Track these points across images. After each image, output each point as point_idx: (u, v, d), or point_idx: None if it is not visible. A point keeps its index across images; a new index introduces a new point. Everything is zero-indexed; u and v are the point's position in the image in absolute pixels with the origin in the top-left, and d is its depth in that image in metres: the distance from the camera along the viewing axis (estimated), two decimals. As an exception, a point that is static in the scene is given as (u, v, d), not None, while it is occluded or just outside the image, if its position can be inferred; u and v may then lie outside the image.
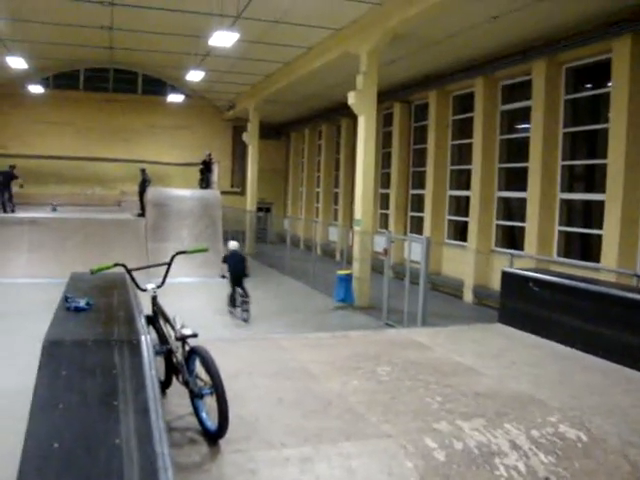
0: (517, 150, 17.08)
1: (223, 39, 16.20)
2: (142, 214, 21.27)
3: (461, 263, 18.12)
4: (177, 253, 5.50)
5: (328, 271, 18.20)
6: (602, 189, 13.80)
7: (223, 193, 24.94)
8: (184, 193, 22.48)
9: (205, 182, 24.39)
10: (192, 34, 19.08)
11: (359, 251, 16.24)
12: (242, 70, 23.84)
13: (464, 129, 19.30)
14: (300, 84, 22.47)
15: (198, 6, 16.40)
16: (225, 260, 15.16)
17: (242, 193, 31.07)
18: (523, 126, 17.00)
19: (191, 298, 16.56)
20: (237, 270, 14.68)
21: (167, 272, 5.37)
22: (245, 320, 14.05)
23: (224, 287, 18.62)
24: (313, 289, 18.49)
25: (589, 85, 15.45)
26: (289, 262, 21.94)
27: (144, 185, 21.65)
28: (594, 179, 14.79)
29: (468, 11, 13.85)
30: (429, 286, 17.52)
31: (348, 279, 16.07)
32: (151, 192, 21.54)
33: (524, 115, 16.56)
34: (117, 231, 20.27)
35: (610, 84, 13.63)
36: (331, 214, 29.91)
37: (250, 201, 28.37)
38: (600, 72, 14.24)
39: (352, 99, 15.95)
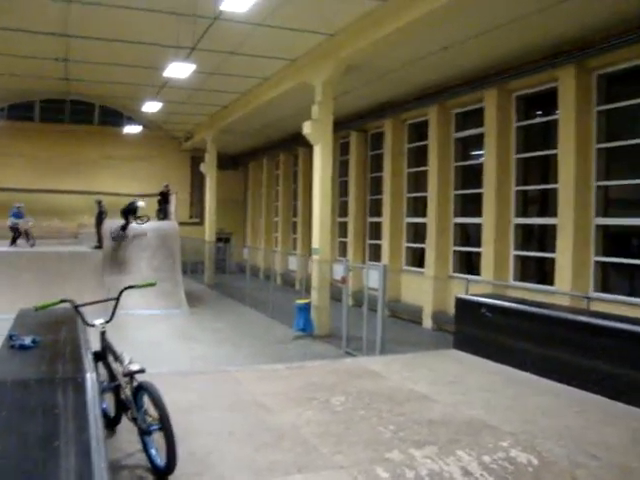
0: (472, 176, 17.31)
1: (179, 70, 16.23)
2: (99, 246, 21.03)
3: (420, 289, 18.21)
4: (125, 288, 5.47)
5: (288, 300, 18.15)
6: (555, 213, 14.05)
7: (182, 224, 24.83)
8: (142, 224, 22.29)
9: (163, 213, 24.21)
10: (148, 65, 19.06)
11: (317, 280, 16.23)
12: (199, 101, 23.85)
13: (419, 157, 19.51)
14: (257, 114, 22.57)
15: (154, 38, 16.39)
16: None
17: (201, 223, 30.93)
18: (477, 153, 17.27)
19: (150, 330, 16.39)
20: None
21: (116, 307, 5.33)
22: None
23: (184, 319, 18.57)
24: (272, 319, 18.40)
25: (539, 112, 15.79)
26: (249, 292, 21.84)
27: (101, 217, 21.42)
28: (547, 203, 15.05)
29: (419, 42, 14.09)
30: (389, 313, 17.62)
31: (307, 308, 16.04)
32: (108, 224, 21.33)
33: (478, 142, 16.83)
34: (73, 264, 19.95)
35: (558, 112, 13.94)
36: (290, 243, 29.90)
37: (209, 231, 28.26)
38: (548, 100, 14.56)
39: (308, 129, 16.05)
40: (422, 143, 19.14)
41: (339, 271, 16.50)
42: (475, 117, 16.96)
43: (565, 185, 13.55)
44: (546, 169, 15.17)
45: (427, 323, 17.69)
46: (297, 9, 13.57)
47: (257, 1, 11.32)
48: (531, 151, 15.52)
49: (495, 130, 15.61)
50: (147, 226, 22.07)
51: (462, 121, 17.87)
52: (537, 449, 5.35)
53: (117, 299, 5.37)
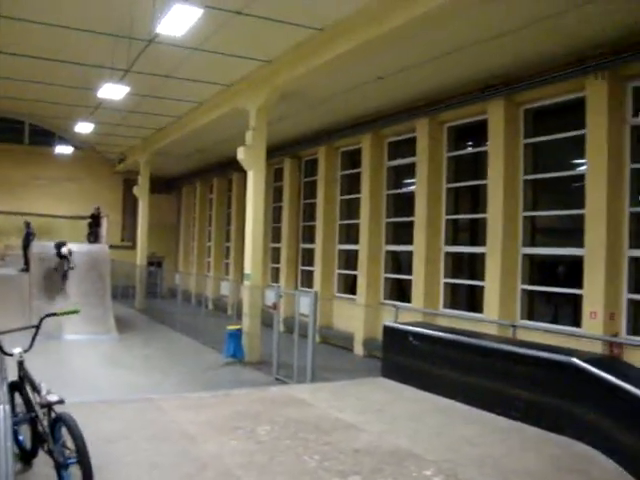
0: (404, 204, 17.54)
1: (113, 92, 16.03)
2: (26, 269, 20.49)
3: (351, 316, 18.29)
4: (47, 315, 5.32)
5: (219, 326, 17.97)
6: (484, 242, 14.34)
7: (113, 247, 24.39)
8: (71, 247, 21.81)
9: (93, 236, 23.78)
10: (81, 86, 18.76)
11: (249, 306, 16.14)
12: (133, 123, 23.60)
13: (353, 184, 19.71)
14: (191, 138, 22.47)
15: (88, 58, 16.18)
16: None
17: (133, 247, 30.42)
18: (409, 181, 17.52)
19: (76, 357, 16.01)
20: None
21: (35, 334, 5.18)
22: None
23: (113, 345, 18.17)
24: (203, 345, 18.18)
25: (469, 143, 16.18)
26: (180, 317, 21.56)
27: (28, 239, 20.91)
28: (477, 232, 15.35)
29: (354, 71, 14.26)
30: (320, 339, 17.62)
31: (238, 334, 15.90)
32: (36, 246, 20.81)
33: (409, 171, 17.08)
34: (-1, 288, 19.39)
35: (487, 143, 14.29)
36: (223, 268, 29.72)
37: (140, 255, 27.86)
38: (478, 131, 14.92)
39: (241, 154, 16.04)
40: (355, 171, 19.34)
41: (271, 297, 16.44)
42: (407, 146, 17.23)
43: (494, 215, 13.87)
44: (476, 199, 15.50)
45: (358, 350, 17.75)
46: (233, 35, 13.59)
47: (193, 25, 11.28)
48: (461, 181, 15.85)
49: (427, 159, 15.88)
50: (77, 249, 21.64)
51: (395, 150, 18.15)
52: (459, 477, 5.40)
53: (37, 327, 5.22)
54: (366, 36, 11.72)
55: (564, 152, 13.54)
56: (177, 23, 11.00)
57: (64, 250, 19.59)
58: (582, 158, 12.48)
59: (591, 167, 11.97)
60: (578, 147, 12.46)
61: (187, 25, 11.21)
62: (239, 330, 15.99)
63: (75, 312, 5.71)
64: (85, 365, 15.01)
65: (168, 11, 10.61)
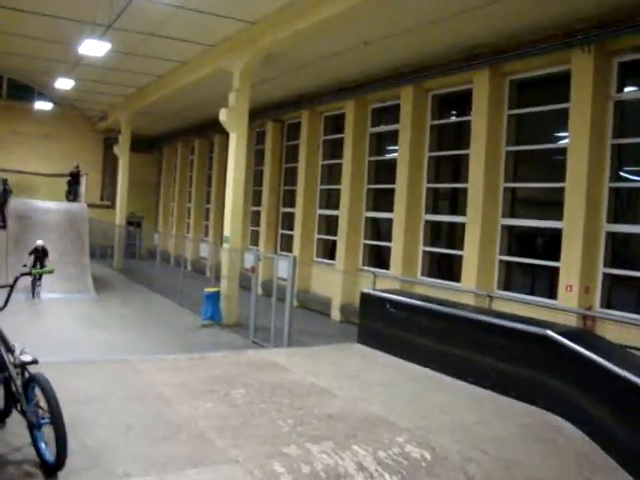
0: (385, 172, 17.51)
1: (94, 48, 15.70)
2: (3, 226, 20.29)
3: (329, 281, 18.34)
4: (21, 275, 5.25)
5: (197, 288, 17.97)
6: (464, 212, 14.38)
7: (92, 206, 24.22)
8: (49, 205, 21.64)
9: (72, 194, 23.56)
10: (62, 40, 18.43)
11: (227, 268, 16.13)
12: (114, 81, 23.26)
13: (335, 149, 19.63)
14: (174, 98, 22.21)
15: (69, 12, 15.85)
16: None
17: (112, 207, 30.22)
18: (391, 149, 17.49)
19: (53, 315, 15.97)
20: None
21: (10, 294, 5.11)
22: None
23: (90, 304, 18.12)
24: (181, 306, 18.21)
25: (453, 112, 16.14)
26: (158, 278, 21.54)
27: (5, 196, 20.67)
28: (457, 202, 15.39)
29: (340, 36, 14.13)
30: (298, 303, 17.68)
31: (216, 297, 15.95)
32: (13, 203, 20.62)
33: (393, 138, 17.03)
34: (-26, 244, 19.22)
35: (471, 113, 14.26)
36: (202, 230, 29.64)
37: (120, 215, 27.67)
38: (463, 101, 14.88)
39: (224, 116, 15.89)
40: (338, 136, 19.25)
41: (250, 260, 16.44)
42: (391, 113, 17.16)
43: (475, 185, 13.90)
44: (457, 168, 15.52)
45: (335, 315, 17.86)
46: (218, -5, 13.42)
47: (177, -17, 11.11)
48: (444, 150, 15.84)
49: (410, 127, 15.84)
50: (55, 207, 21.49)
51: (378, 116, 18.08)
52: (431, 444, 5.46)
53: (12, 286, 5.15)
54: (352, 1, 11.59)
55: (547, 125, 13.57)
56: (161, -20, 10.78)
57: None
58: (565, 131, 12.51)
59: (573, 141, 12.00)
60: (561, 120, 12.48)
61: (171, -18, 11.01)
62: (217, 292, 16.02)
63: (50, 272, 5.65)
64: (61, 324, 14.98)
65: (152, -33, 10.42)
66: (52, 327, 14.55)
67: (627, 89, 11.82)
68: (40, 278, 16.50)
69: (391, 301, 8.60)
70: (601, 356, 6.04)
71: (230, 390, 6.53)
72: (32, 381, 4.55)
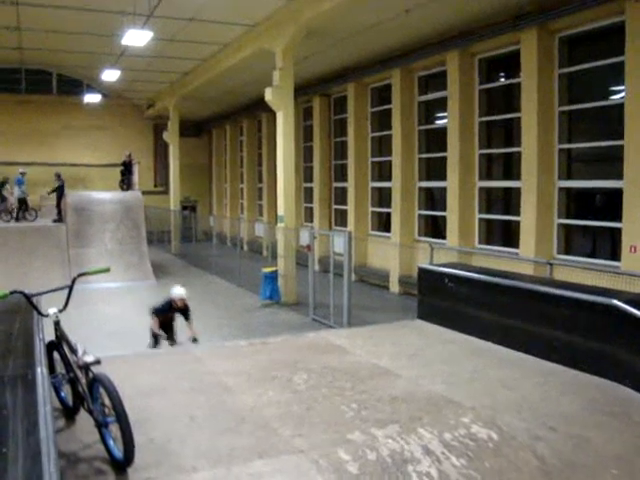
0: (436, 140, 17.25)
1: (136, 38, 15.87)
2: (59, 219, 20.74)
3: (386, 254, 18.23)
4: (79, 275, 5.30)
5: (255, 268, 18.09)
6: (519, 176, 14.08)
7: (146, 193, 24.49)
8: (105, 196, 21.99)
9: (126, 183, 23.90)
10: (105, 33, 18.63)
11: (283, 248, 16.17)
12: (159, 68, 23.42)
13: (383, 121, 19.40)
14: (218, 81, 22.25)
15: (109, 5, 15.99)
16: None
17: (166, 192, 30.55)
18: (441, 116, 17.20)
19: (116, 304, 16.26)
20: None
21: (69, 295, 5.17)
22: None
23: (151, 291, 18.37)
24: (240, 287, 18.36)
25: (502, 75, 15.76)
26: (215, 261, 21.74)
27: (61, 189, 21.11)
28: (511, 167, 15.08)
29: (380, 5, 13.91)
30: (356, 278, 17.67)
31: (274, 276, 16.02)
32: (71, 196, 21.03)
33: (441, 105, 16.74)
34: (37, 239, 19.68)
35: (520, 75, 13.88)
36: (256, 209, 29.76)
37: (174, 200, 28.00)
38: (511, 63, 14.50)
39: (269, 95, 15.83)
40: (386, 107, 19.00)
41: (305, 237, 16.45)
42: (438, 80, 16.86)
43: (528, 148, 13.58)
44: (509, 132, 15.18)
45: (394, 288, 17.76)
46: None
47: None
48: (494, 114, 15.51)
49: (458, 93, 15.54)
50: (111, 197, 21.83)
51: (425, 84, 17.80)
52: (497, 424, 5.36)
53: (71, 287, 5.22)
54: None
55: (601, 81, 13.10)
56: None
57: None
58: (621, 86, 12.07)
59: (630, 95, 11.57)
60: (617, 75, 12.04)
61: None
62: (275, 272, 16.09)
63: (106, 270, 5.69)
64: (123, 312, 15.24)
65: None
66: (116, 315, 14.85)
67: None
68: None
69: (450, 275, 8.48)
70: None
71: (292, 376, 6.52)
72: (96, 381, 4.62)
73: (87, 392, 4.69)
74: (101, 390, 4.60)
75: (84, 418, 4.99)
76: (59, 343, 5.12)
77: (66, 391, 5.30)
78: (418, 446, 4.96)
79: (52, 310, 5.07)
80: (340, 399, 5.90)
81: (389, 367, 6.86)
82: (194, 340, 9.02)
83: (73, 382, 4.95)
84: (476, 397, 5.98)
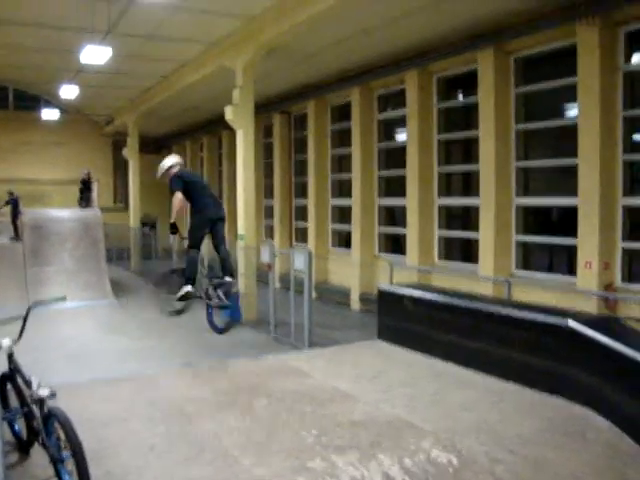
0: (395, 157, 17.37)
1: (95, 54, 15.65)
2: (16, 238, 20.35)
3: (346, 271, 18.25)
4: (34, 304, 5.24)
5: (216, 286, 17.94)
6: (477, 194, 14.24)
7: (106, 210, 24.19)
8: (63, 214, 21.63)
9: (85, 201, 23.63)
10: (64, 49, 18.38)
11: (244, 266, 16.10)
12: (118, 85, 23.20)
13: (343, 138, 19.50)
14: (178, 98, 22.13)
15: (68, 22, 15.80)
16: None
17: (126, 209, 30.20)
18: (400, 134, 17.36)
19: (74, 324, 15.95)
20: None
21: (24, 326, 5.10)
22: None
23: (110, 310, 18.10)
24: (201, 306, 18.16)
25: (460, 94, 15.97)
26: (176, 278, 21.51)
27: (15, 207, 20.72)
28: (470, 184, 15.25)
29: (339, 25, 13.97)
30: (316, 295, 17.63)
31: (235, 296, 15.89)
32: (28, 214, 20.66)
33: (400, 124, 16.89)
34: (-7, 257, 19.29)
35: (478, 93, 14.08)
36: (217, 225, 29.54)
37: (133, 217, 27.69)
38: (469, 82, 14.70)
39: (229, 114, 15.78)
40: (346, 124, 19.11)
41: (266, 253, 16.38)
42: (397, 99, 17.00)
43: (486, 166, 13.74)
44: (468, 150, 15.37)
45: (355, 305, 17.79)
46: (214, -7, 13.32)
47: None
48: (453, 132, 15.70)
49: (417, 111, 15.66)
50: (69, 215, 21.51)
51: (385, 103, 17.93)
52: (457, 447, 5.41)
53: (25, 316, 5.15)
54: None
55: (556, 100, 13.36)
56: (156, -17, 10.69)
57: None
58: (574, 106, 12.32)
59: (583, 115, 11.81)
60: (570, 95, 12.29)
61: (167, -15, 10.91)
62: (237, 292, 15.97)
63: (62, 299, 5.63)
64: (81, 332, 14.93)
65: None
66: (74, 335, 14.55)
67: (635, 59, 11.62)
68: None
69: (409, 296, 8.54)
70: (624, 344, 5.95)
71: (252, 401, 6.50)
72: (51, 415, 4.54)
73: (42, 426, 4.60)
74: (56, 425, 4.52)
75: (39, 452, 4.90)
76: (13, 375, 5.02)
77: (20, 425, 5.21)
78: (378, 473, 4.99)
79: (5, 341, 4.97)
80: (300, 424, 5.90)
81: (349, 390, 6.88)
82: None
83: (27, 416, 4.86)
84: (436, 420, 6.03)
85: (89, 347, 13.09)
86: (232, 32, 15.68)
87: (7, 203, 20.78)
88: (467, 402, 6.54)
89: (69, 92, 21.70)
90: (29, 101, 29.36)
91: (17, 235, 20.26)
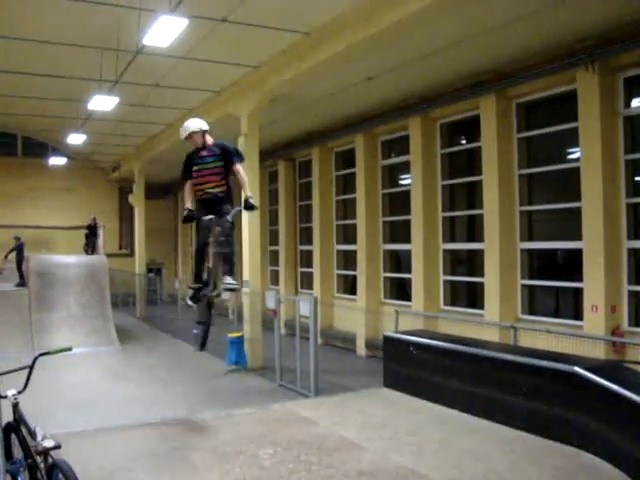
0: (400, 203, 17.45)
1: (103, 103, 15.98)
2: (22, 283, 20.35)
3: (352, 317, 18.21)
4: (40, 355, 5.24)
5: (221, 332, 17.86)
6: (482, 238, 14.27)
7: (111, 256, 24.30)
8: (69, 260, 21.72)
9: (91, 247, 23.76)
10: (71, 98, 18.69)
11: (249, 312, 16.08)
12: (125, 132, 23.49)
13: (348, 184, 19.63)
14: (183, 145, 22.19)
15: (76, 71, 16.08)
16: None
17: (131, 255, 30.31)
18: (404, 180, 17.46)
19: (79, 370, 15.90)
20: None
21: (29, 376, 5.09)
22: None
23: (115, 356, 18.05)
24: (206, 352, 18.08)
25: (463, 139, 16.10)
26: (181, 324, 21.50)
27: (21, 254, 20.73)
28: (474, 229, 15.29)
29: (342, 74, 14.19)
30: (322, 341, 17.56)
31: (240, 341, 15.85)
32: (34, 260, 20.73)
33: (404, 169, 17.02)
34: (-3, 303, 19.29)
35: (481, 139, 14.20)
36: (222, 272, 29.56)
37: (139, 263, 27.74)
38: (471, 127, 14.85)
39: (234, 161, 15.91)
40: (350, 170, 19.25)
41: (271, 299, 16.36)
42: (401, 144, 17.16)
43: (490, 210, 13.80)
44: (472, 195, 15.43)
45: (361, 350, 17.70)
46: (220, 43, 13.53)
47: (179, 35, 11.18)
48: (457, 177, 15.80)
49: (420, 157, 15.80)
50: (75, 261, 21.58)
51: (388, 149, 18.09)
52: (464, 497, 5.35)
53: (31, 366, 5.14)
54: (353, 38, 11.62)
55: (558, 144, 13.46)
56: (163, 34, 10.88)
57: None
58: (576, 150, 12.42)
59: (585, 159, 11.90)
60: (572, 138, 12.39)
61: (173, 35, 11.09)
62: (240, 337, 15.93)
63: (68, 350, 5.62)
64: (87, 378, 14.92)
65: (154, 22, 10.54)
66: (79, 382, 14.52)
67: (634, 104, 11.74)
68: None
69: (414, 343, 8.51)
70: (631, 390, 5.90)
71: (258, 451, 6.45)
72: (55, 467, 4.51)
73: (46, 478, 4.57)
74: (60, 477, 4.49)
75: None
76: (17, 426, 4.99)
77: (24, 477, 5.15)
78: (386, 523, 4.93)
79: (11, 392, 4.96)
80: (306, 474, 5.85)
81: (355, 439, 6.83)
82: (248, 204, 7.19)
83: (31, 468, 4.82)
84: (443, 469, 5.96)
85: (94, 394, 13.06)
86: (237, 81, 15.93)
87: (12, 250, 20.79)
88: (474, 450, 6.47)
89: (76, 140, 22.01)
90: (37, 148, 29.71)
91: (23, 281, 20.26)
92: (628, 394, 5.83)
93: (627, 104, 11.68)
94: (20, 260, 20.57)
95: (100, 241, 24.07)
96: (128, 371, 15.96)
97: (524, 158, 13.73)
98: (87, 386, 14.04)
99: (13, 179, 29.64)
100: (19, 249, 20.63)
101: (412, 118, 15.97)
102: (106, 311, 20.42)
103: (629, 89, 11.60)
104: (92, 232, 23.96)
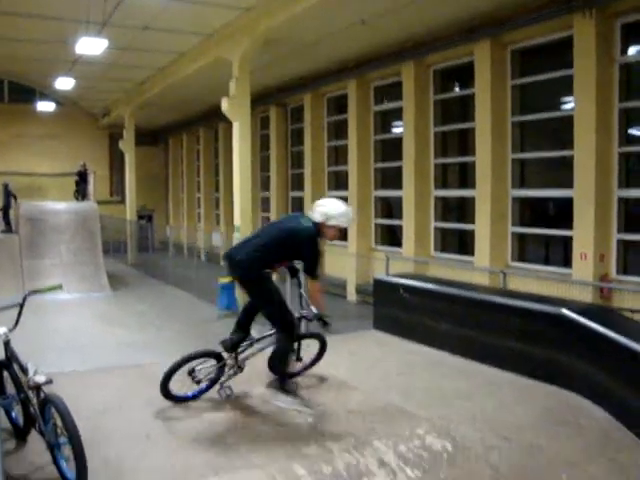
0: (392, 149, 17.40)
1: (91, 46, 15.67)
2: (8, 230, 20.20)
3: (343, 263, 18.28)
4: (30, 293, 5.24)
5: (212, 278, 17.97)
6: (473, 185, 14.27)
7: (102, 203, 24.24)
8: (59, 206, 21.67)
9: (81, 194, 23.64)
10: (59, 40, 18.34)
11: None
12: (115, 77, 23.18)
13: (340, 130, 19.52)
14: (175, 90, 22.12)
15: (63, 12, 15.76)
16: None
17: (122, 202, 30.25)
18: (396, 127, 17.37)
19: (71, 315, 16.01)
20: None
21: (20, 314, 5.10)
22: None
23: (107, 302, 18.12)
24: (197, 298, 18.25)
25: (456, 86, 15.98)
26: (173, 271, 21.60)
27: (8, 200, 20.55)
28: (466, 176, 15.28)
29: (336, 16, 14.00)
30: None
31: (231, 286, 15.90)
32: (24, 206, 20.65)
33: (397, 115, 16.91)
34: (-13, 250, 19.27)
35: (474, 85, 14.10)
36: (213, 219, 29.64)
37: (130, 210, 27.69)
38: (465, 73, 14.73)
39: (225, 105, 15.80)
40: (342, 116, 19.11)
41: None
42: (394, 90, 17.02)
43: (482, 157, 13.80)
44: (464, 142, 15.39)
45: (352, 296, 17.84)
46: (211, -16, 13.32)
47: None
48: (449, 124, 15.72)
49: (413, 103, 15.72)
50: (65, 208, 21.50)
51: (381, 94, 17.95)
52: (452, 434, 5.43)
53: (21, 305, 5.15)
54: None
55: (552, 92, 13.38)
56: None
57: None
58: (571, 99, 12.35)
59: (579, 107, 11.86)
60: (567, 87, 12.31)
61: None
62: (232, 282, 15.96)
63: (59, 287, 5.62)
64: (79, 324, 15.03)
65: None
66: (71, 327, 14.63)
67: (631, 51, 11.64)
68: None
69: (404, 286, 8.56)
70: (618, 332, 5.97)
71: (251, 389, 6.50)
72: (47, 402, 4.55)
73: (38, 413, 4.61)
74: (53, 411, 4.53)
75: (36, 439, 4.90)
76: (9, 363, 5.01)
77: (17, 412, 5.20)
78: (373, 459, 5.00)
79: (1, 330, 4.97)
80: (296, 412, 5.91)
81: (346, 379, 6.89)
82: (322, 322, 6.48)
83: (24, 403, 4.86)
84: (431, 408, 6.04)
85: (85, 338, 13.17)
86: (229, 23, 15.68)
87: (7, 197, 20.59)
88: (463, 391, 6.55)
89: (65, 84, 21.73)
90: (24, 94, 29.24)
91: (10, 227, 20.12)
92: (614, 335, 5.90)
93: (624, 51, 11.59)
94: (6, 207, 20.39)
95: (90, 187, 23.97)
96: (120, 316, 16.10)
97: (517, 106, 13.68)
98: (79, 331, 14.15)
99: (1, 126, 29.23)
100: (7, 195, 20.48)
101: (405, 64, 15.85)
102: (97, 258, 20.47)
103: (626, 35, 11.50)
104: (82, 179, 23.82)
